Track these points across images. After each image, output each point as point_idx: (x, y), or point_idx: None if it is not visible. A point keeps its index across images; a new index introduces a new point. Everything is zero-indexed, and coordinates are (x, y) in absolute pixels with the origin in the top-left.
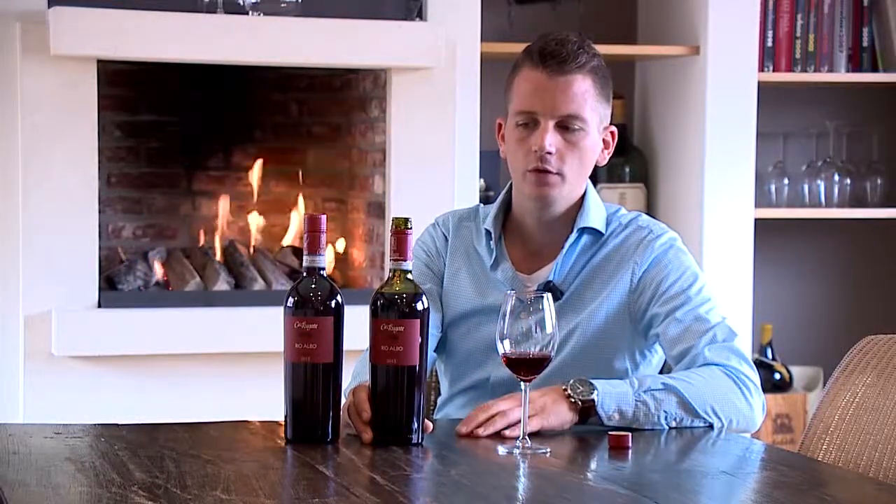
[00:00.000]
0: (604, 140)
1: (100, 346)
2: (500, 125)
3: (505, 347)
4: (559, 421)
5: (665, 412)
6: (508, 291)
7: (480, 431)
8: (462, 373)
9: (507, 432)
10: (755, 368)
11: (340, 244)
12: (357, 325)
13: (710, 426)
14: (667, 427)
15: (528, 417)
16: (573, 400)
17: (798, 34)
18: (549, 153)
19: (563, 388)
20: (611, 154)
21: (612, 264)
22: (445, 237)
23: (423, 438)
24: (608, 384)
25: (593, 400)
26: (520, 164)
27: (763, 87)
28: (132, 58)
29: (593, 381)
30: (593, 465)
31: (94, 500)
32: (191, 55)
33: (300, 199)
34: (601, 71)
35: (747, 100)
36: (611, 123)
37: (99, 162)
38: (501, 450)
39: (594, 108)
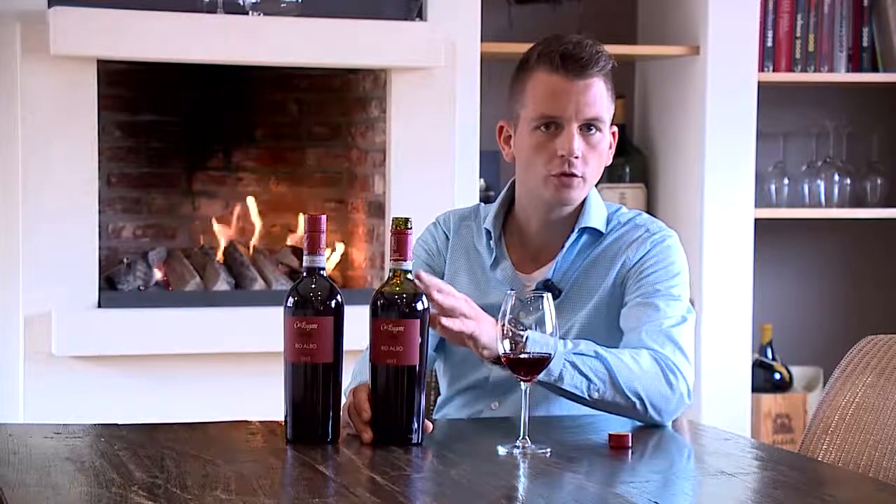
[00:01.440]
0: None
1: (100, 346)
2: (501, 128)
3: (505, 347)
4: (487, 338)
5: (589, 380)
6: (508, 291)
7: (444, 322)
8: (461, 372)
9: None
10: (690, 360)
11: (340, 247)
12: (357, 325)
13: (633, 406)
14: (589, 398)
15: (461, 318)
16: (504, 331)
17: (798, 34)
18: (577, 157)
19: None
20: (613, 153)
21: (606, 261)
22: (446, 236)
23: (423, 438)
24: (542, 336)
25: (522, 336)
26: (541, 169)
27: (763, 87)
28: (132, 58)
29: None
30: (593, 465)
31: (94, 500)
32: (191, 55)
33: (300, 199)
34: (611, 72)
35: (747, 100)
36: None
37: (99, 162)
38: (501, 450)
39: (608, 109)
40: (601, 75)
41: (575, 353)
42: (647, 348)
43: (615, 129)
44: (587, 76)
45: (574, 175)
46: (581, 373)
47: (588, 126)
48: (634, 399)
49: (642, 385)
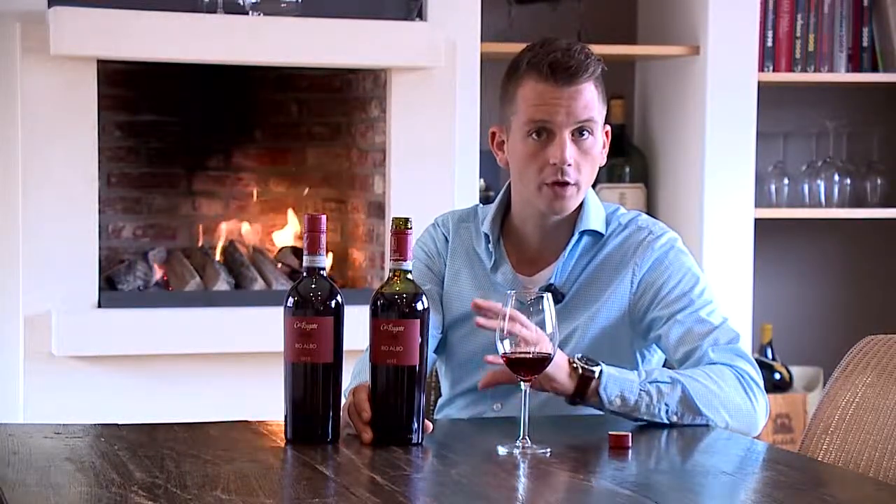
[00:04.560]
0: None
1: (100, 346)
2: (494, 133)
3: (505, 347)
4: (554, 385)
5: (667, 405)
6: (508, 291)
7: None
8: (463, 375)
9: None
10: (759, 370)
11: (341, 247)
12: (357, 325)
13: (709, 425)
14: (667, 421)
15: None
16: (575, 366)
17: (798, 34)
18: (569, 165)
19: (570, 358)
20: (607, 153)
21: (611, 266)
22: (446, 238)
23: (423, 438)
24: (615, 369)
25: (594, 372)
26: (534, 177)
27: (763, 87)
28: (132, 58)
29: (601, 363)
30: (593, 465)
31: (94, 500)
32: (191, 55)
33: (300, 200)
34: (602, 75)
35: (747, 100)
36: (606, 122)
37: (99, 162)
38: (501, 450)
39: (600, 112)
40: (591, 80)
41: (650, 382)
42: (722, 364)
43: (608, 128)
44: (576, 83)
45: (567, 183)
46: (657, 400)
47: (580, 130)
48: (715, 416)
49: (722, 402)
